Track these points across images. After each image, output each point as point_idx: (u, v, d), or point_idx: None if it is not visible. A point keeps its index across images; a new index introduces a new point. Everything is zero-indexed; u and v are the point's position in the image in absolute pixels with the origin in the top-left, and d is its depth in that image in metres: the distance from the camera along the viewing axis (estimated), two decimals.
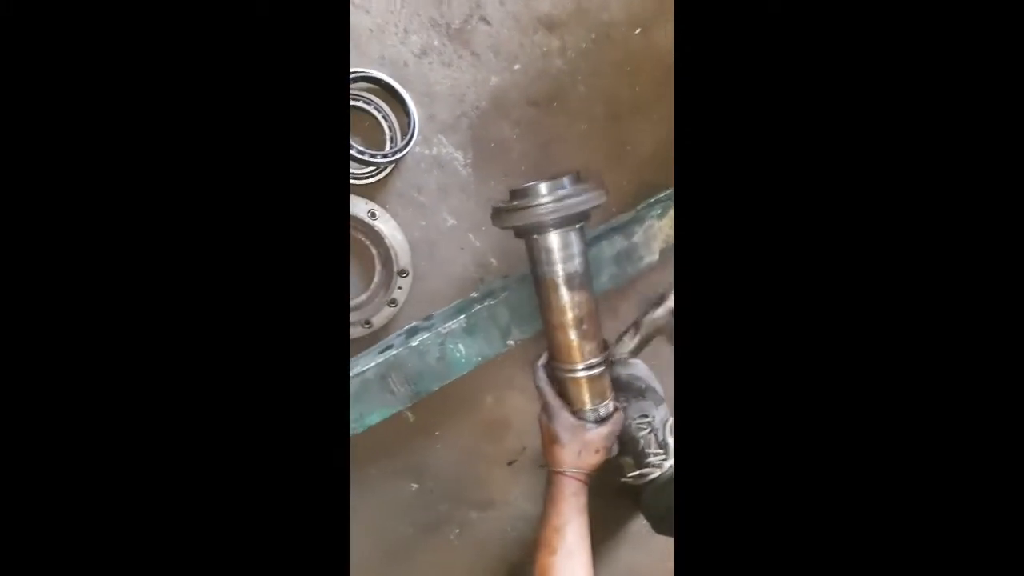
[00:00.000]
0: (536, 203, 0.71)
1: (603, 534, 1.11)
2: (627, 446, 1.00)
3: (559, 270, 0.75)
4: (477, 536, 1.04)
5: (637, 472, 0.99)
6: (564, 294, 0.76)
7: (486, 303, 0.88)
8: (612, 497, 1.07)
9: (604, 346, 0.83)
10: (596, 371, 0.81)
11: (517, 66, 0.92)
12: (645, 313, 1.02)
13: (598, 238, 0.91)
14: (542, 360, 0.86)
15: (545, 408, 0.84)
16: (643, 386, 1.01)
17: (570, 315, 0.77)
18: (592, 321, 0.80)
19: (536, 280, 0.79)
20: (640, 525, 1.14)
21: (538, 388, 0.85)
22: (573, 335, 0.79)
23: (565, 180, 0.73)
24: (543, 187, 0.72)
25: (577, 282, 0.77)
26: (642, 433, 0.96)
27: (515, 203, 0.73)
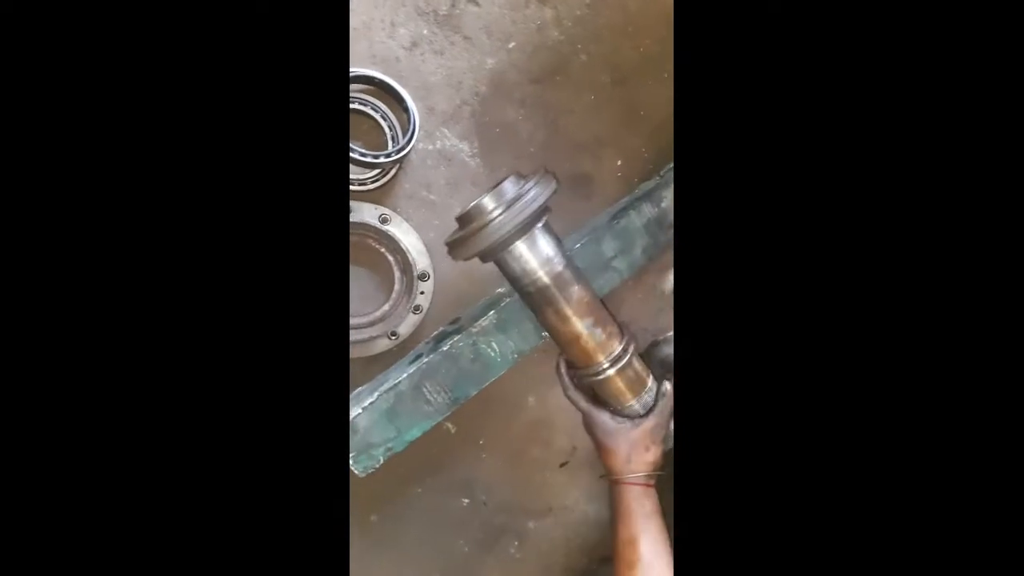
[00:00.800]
0: (487, 220, 0.64)
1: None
2: None
3: (543, 278, 0.68)
4: (539, 547, 0.97)
5: None
6: (559, 300, 0.69)
7: (515, 296, 0.82)
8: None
9: (621, 330, 0.75)
10: (623, 361, 0.73)
11: (512, 44, 0.87)
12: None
13: (624, 210, 0.85)
14: (563, 367, 0.79)
15: (584, 416, 0.78)
16: None
17: (573, 318, 0.70)
18: (598, 312, 0.72)
19: (523, 297, 0.72)
20: None
21: (568, 398, 0.78)
22: (586, 336, 0.71)
23: (506, 184, 0.66)
24: (487, 201, 0.65)
25: (566, 280, 0.69)
26: None
27: (466, 230, 0.66)
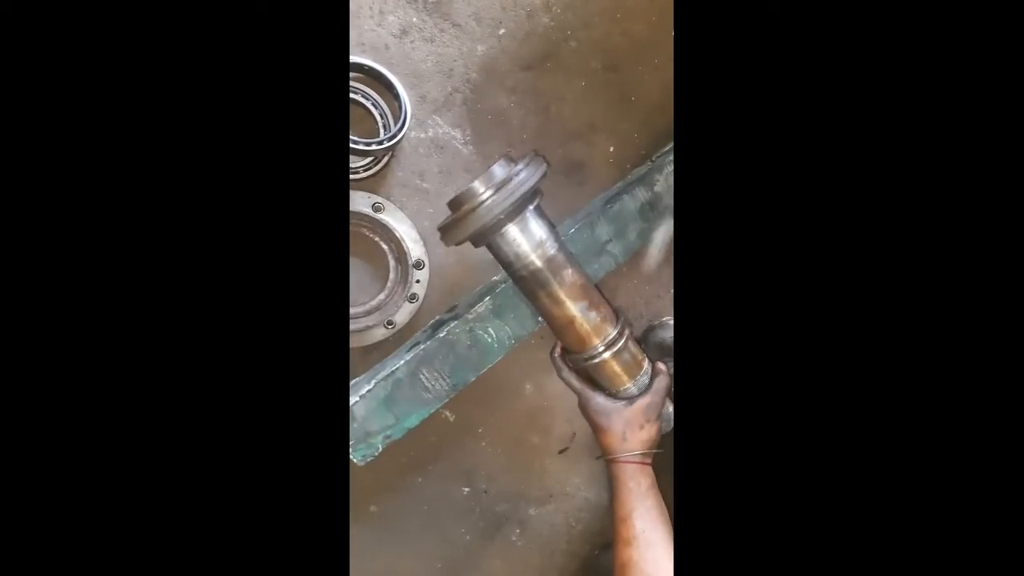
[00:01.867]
0: (478, 202, 0.64)
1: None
2: None
3: (535, 261, 0.68)
4: (541, 534, 0.97)
5: None
6: (552, 283, 0.69)
7: (511, 282, 0.82)
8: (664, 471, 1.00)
9: (616, 314, 0.75)
10: (618, 345, 0.74)
11: (503, 31, 0.87)
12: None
13: (618, 195, 0.85)
14: (558, 351, 0.79)
15: (578, 397, 0.78)
16: None
17: (567, 302, 0.70)
18: (592, 295, 0.72)
19: (517, 281, 0.72)
20: None
21: (562, 379, 0.78)
22: (580, 320, 0.71)
23: (496, 167, 0.66)
24: (478, 184, 0.65)
25: (559, 264, 0.69)
26: None
27: (457, 213, 0.66)
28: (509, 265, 0.70)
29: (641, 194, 0.85)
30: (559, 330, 0.74)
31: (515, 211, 0.65)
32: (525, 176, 0.65)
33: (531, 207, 0.68)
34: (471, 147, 0.88)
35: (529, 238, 0.67)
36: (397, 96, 0.81)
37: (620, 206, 0.84)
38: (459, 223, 0.65)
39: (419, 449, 0.90)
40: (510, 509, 0.96)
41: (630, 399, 0.75)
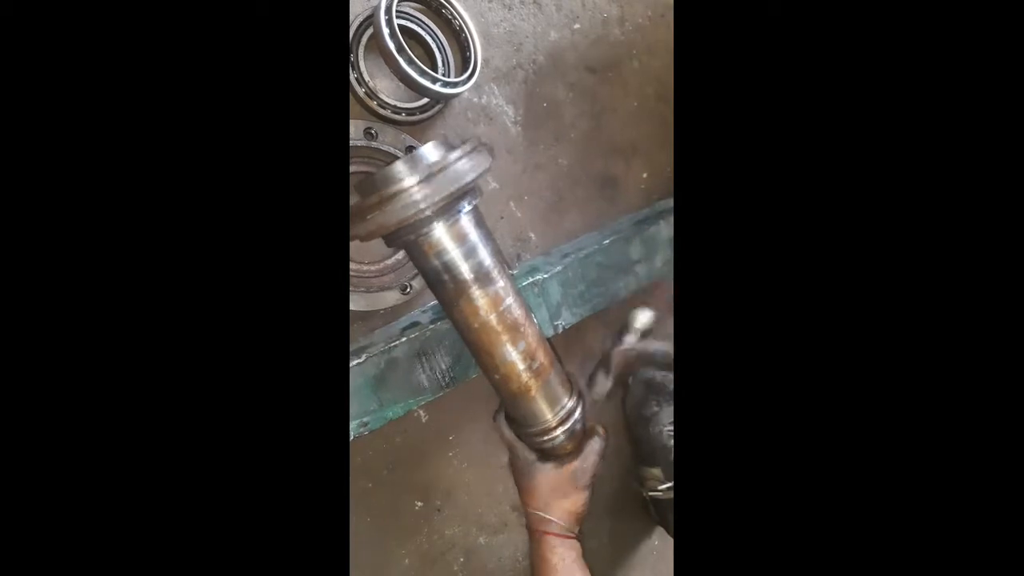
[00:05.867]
0: (398, 189, 0.47)
1: (613, 556, 0.98)
2: (659, 456, 0.90)
3: (464, 273, 0.53)
4: (485, 566, 0.86)
5: (668, 485, 0.89)
6: (488, 313, 0.55)
7: (538, 277, 0.75)
8: (629, 517, 0.96)
9: (570, 383, 0.64)
10: (578, 425, 0.63)
11: (577, 25, 0.84)
12: (613, 344, 0.85)
13: (654, 219, 0.84)
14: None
15: (508, 450, 0.68)
16: None
17: (509, 347, 0.57)
18: (544, 351, 0.59)
19: (446, 306, 0.56)
20: (651, 547, 1.03)
21: (494, 422, 0.68)
22: (526, 377, 0.58)
23: (429, 148, 0.51)
24: (400, 167, 0.48)
25: (497, 289, 0.55)
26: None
27: (373, 198, 0.48)
28: (435, 279, 0.54)
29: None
30: (500, 388, 0.61)
31: (448, 206, 0.50)
32: (471, 164, 0.50)
33: (468, 205, 0.52)
34: (519, 128, 0.82)
35: (462, 244, 0.52)
36: (470, 39, 0.73)
37: (656, 230, 0.83)
38: (376, 210, 0.47)
39: (379, 449, 0.76)
40: (460, 534, 0.84)
41: (559, 460, 0.65)
